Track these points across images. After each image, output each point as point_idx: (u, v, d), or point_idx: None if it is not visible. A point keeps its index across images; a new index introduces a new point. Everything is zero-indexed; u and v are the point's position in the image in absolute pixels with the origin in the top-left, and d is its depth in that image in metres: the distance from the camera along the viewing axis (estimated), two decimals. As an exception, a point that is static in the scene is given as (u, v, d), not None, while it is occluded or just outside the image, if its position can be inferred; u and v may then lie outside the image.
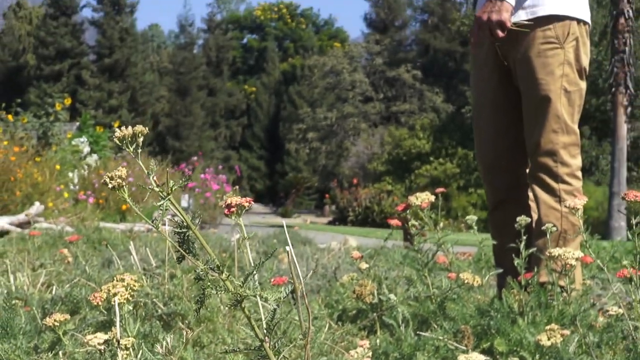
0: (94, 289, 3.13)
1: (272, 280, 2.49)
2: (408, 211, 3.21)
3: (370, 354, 2.21)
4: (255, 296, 1.22)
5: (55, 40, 57.02)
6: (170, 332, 2.66)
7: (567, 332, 2.26)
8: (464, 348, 2.45)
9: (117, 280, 1.53)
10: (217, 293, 1.19)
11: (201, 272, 1.21)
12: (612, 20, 25.97)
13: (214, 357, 2.57)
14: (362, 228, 29.08)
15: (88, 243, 7.01)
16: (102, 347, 1.60)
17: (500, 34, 3.30)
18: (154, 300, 2.92)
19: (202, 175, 19.46)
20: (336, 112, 52.14)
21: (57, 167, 12.83)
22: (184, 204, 17.76)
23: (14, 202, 10.65)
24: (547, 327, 2.23)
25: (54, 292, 3.46)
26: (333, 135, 52.68)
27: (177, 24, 71.71)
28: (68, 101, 17.89)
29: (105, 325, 2.61)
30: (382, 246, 4.30)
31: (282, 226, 18.31)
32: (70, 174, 14.07)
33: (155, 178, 1.34)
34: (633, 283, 2.51)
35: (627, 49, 25.37)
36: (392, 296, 2.95)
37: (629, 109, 26.12)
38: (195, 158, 20.96)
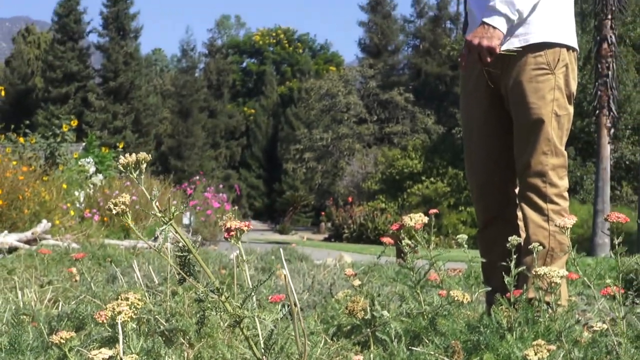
0: (99, 306, 3.12)
1: (270, 297, 2.49)
2: (401, 230, 3.21)
3: (364, 368, 2.20)
4: (253, 317, 1.22)
5: (62, 64, 57.12)
6: (172, 347, 2.65)
7: (553, 347, 2.26)
8: (455, 363, 2.44)
9: (121, 299, 1.53)
10: (217, 314, 1.20)
11: (202, 294, 1.21)
12: (596, 45, 26.06)
13: (214, 371, 2.56)
14: (356, 244, 29.05)
15: (93, 259, 7.00)
16: (106, 363, 1.59)
17: (488, 59, 3.32)
18: (157, 316, 2.91)
19: (205, 194, 19.45)
20: (332, 133, 52.17)
21: (64, 186, 12.82)
22: (186, 221, 17.72)
23: (23, 219, 10.64)
24: (534, 343, 2.22)
25: (60, 309, 3.45)
26: (329, 156, 52.70)
27: (179, 48, 71.85)
28: (74, 123, 17.87)
29: (110, 341, 2.60)
30: (375, 263, 4.30)
31: (280, 243, 18.30)
32: (77, 193, 14.06)
33: (157, 202, 1.34)
34: (616, 300, 2.51)
35: (610, 73, 25.44)
36: (385, 312, 2.94)
37: (612, 131, 26.18)
38: (196, 177, 20.94)
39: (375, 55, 56.93)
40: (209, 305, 1.25)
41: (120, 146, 21.34)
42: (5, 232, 9.35)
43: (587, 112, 33.57)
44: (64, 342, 2.06)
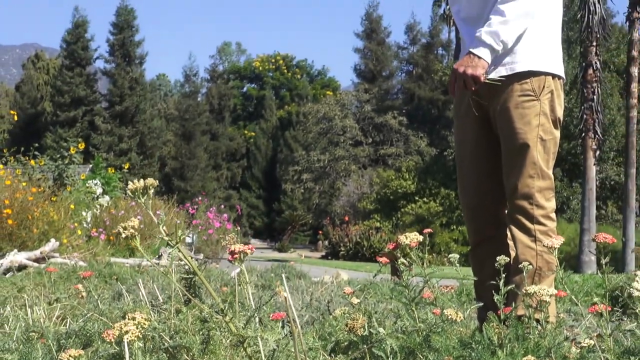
0: (106, 324, 3.11)
1: (272, 315, 2.49)
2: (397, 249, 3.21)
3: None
4: (256, 337, 1.22)
5: (70, 89, 57.22)
6: (176, 363, 2.63)
7: (543, 363, 2.26)
8: (448, 378, 2.44)
9: (128, 319, 1.53)
10: (221, 334, 1.20)
11: (207, 315, 1.21)
12: (581, 71, 26.13)
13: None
14: (352, 262, 28.98)
15: (100, 277, 6.98)
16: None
17: (473, 87, 3.35)
18: (161, 334, 2.91)
19: (207, 214, 19.41)
20: (328, 155, 52.24)
21: (72, 206, 12.79)
22: (189, 240, 17.69)
23: (32, 238, 10.61)
24: (524, 359, 2.22)
25: (68, 326, 3.44)
26: (326, 177, 52.75)
27: (182, 74, 71.76)
28: (82, 145, 17.87)
29: (116, 358, 2.59)
30: (372, 282, 4.29)
31: (279, 260, 18.27)
32: (84, 213, 14.03)
33: (165, 227, 1.34)
34: (603, 317, 2.51)
35: (595, 97, 25.51)
36: (381, 329, 2.94)
37: (598, 153, 26.22)
38: (199, 197, 20.92)
39: (370, 81, 57.11)
40: (213, 325, 1.25)
41: (126, 167, 21.35)
42: (15, 250, 9.32)
43: (573, 135, 33.66)
44: (73, 359, 2.05)
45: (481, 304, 3.39)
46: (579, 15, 26.30)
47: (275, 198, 63.48)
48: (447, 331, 2.95)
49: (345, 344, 3.23)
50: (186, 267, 1.35)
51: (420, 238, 3.14)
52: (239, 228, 21.52)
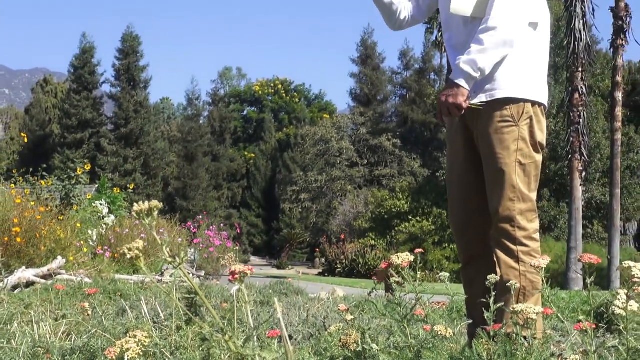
0: (109, 340, 3.10)
1: (268, 333, 2.48)
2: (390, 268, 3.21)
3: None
4: (254, 355, 1.22)
5: (77, 112, 57.30)
6: (177, 378, 2.63)
7: (530, 379, 2.25)
8: (439, 393, 2.43)
9: (130, 336, 1.53)
10: (220, 352, 1.20)
11: (207, 334, 1.21)
12: (568, 95, 26.20)
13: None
14: (348, 279, 28.94)
15: (104, 294, 6.97)
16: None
17: (457, 113, 3.38)
18: (162, 350, 2.90)
19: (208, 232, 19.38)
20: (325, 176, 52.26)
21: (78, 225, 12.78)
22: (190, 257, 17.66)
23: (39, 256, 10.58)
24: (513, 375, 2.22)
25: (73, 342, 3.43)
26: (323, 196, 52.73)
27: (185, 97, 72.06)
28: (88, 167, 17.86)
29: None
30: (366, 299, 4.29)
31: (278, 277, 18.22)
32: (90, 232, 14.01)
33: (168, 248, 1.34)
34: (588, 334, 2.51)
35: (581, 121, 25.56)
36: (374, 345, 2.93)
37: (584, 174, 26.24)
38: (200, 217, 20.89)
39: (366, 104, 57.19)
40: (213, 344, 1.26)
41: (131, 188, 21.31)
42: (23, 267, 9.30)
43: (560, 157, 33.68)
44: (77, 374, 2.05)
45: (471, 320, 3.39)
46: (565, 42, 26.39)
47: (274, 217, 63.48)
48: (438, 347, 2.94)
49: (341, 359, 3.23)
50: (187, 285, 1.36)
51: (412, 258, 3.15)
52: (238, 246, 21.48)
